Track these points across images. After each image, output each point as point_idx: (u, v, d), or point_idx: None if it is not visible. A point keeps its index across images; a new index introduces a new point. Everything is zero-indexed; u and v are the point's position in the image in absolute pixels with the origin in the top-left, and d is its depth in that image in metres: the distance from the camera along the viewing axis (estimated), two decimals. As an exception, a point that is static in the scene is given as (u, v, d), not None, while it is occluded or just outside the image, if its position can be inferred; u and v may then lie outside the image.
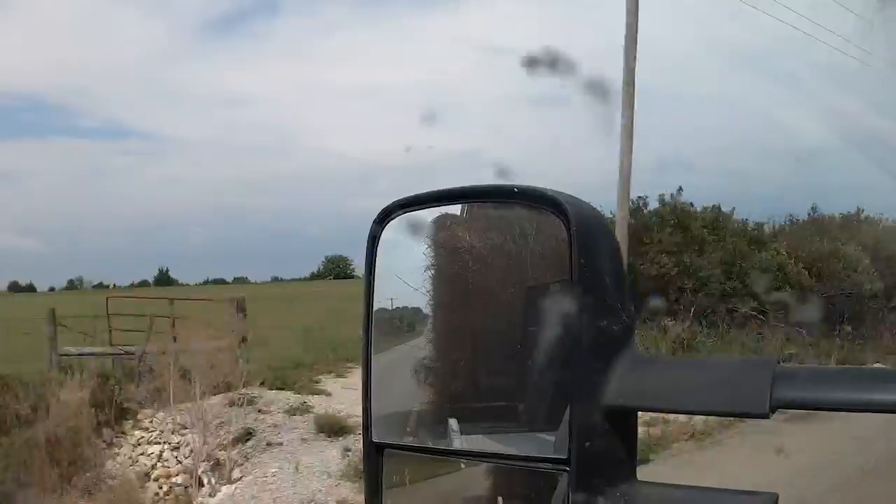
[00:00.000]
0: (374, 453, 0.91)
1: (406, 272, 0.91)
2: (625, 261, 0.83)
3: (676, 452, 9.67)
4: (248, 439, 10.17)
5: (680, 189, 19.20)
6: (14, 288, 65.85)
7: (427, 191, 0.91)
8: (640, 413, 0.80)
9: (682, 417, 9.03)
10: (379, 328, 0.94)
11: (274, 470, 9.49)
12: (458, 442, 0.86)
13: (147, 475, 10.42)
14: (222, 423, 10.25)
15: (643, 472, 0.79)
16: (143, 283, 66.23)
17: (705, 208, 19.62)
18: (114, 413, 10.75)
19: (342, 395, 11.30)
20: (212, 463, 9.94)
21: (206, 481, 9.79)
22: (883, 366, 12.55)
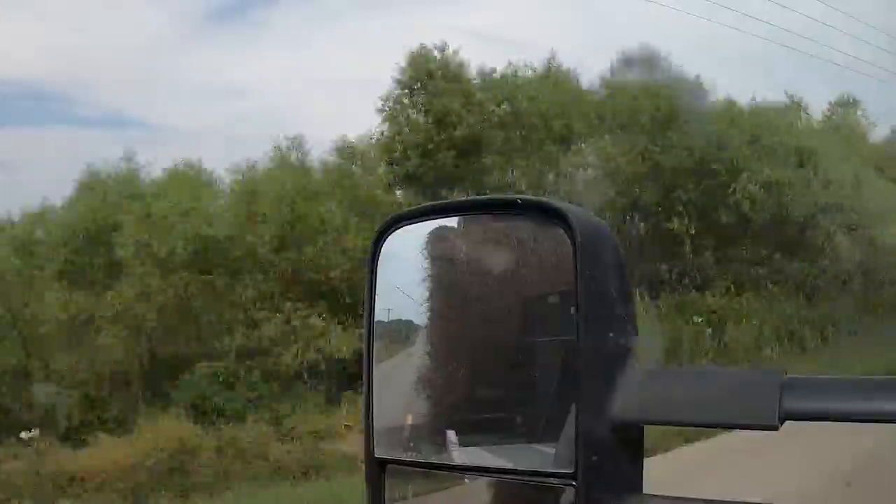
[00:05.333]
0: (377, 469, 0.90)
1: (407, 284, 0.90)
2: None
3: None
4: None
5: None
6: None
7: (428, 203, 0.90)
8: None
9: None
10: (380, 341, 0.93)
11: None
12: (461, 456, 0.85)
13: None
14: None
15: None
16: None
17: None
18: None
19: None
20: None
21: None
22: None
